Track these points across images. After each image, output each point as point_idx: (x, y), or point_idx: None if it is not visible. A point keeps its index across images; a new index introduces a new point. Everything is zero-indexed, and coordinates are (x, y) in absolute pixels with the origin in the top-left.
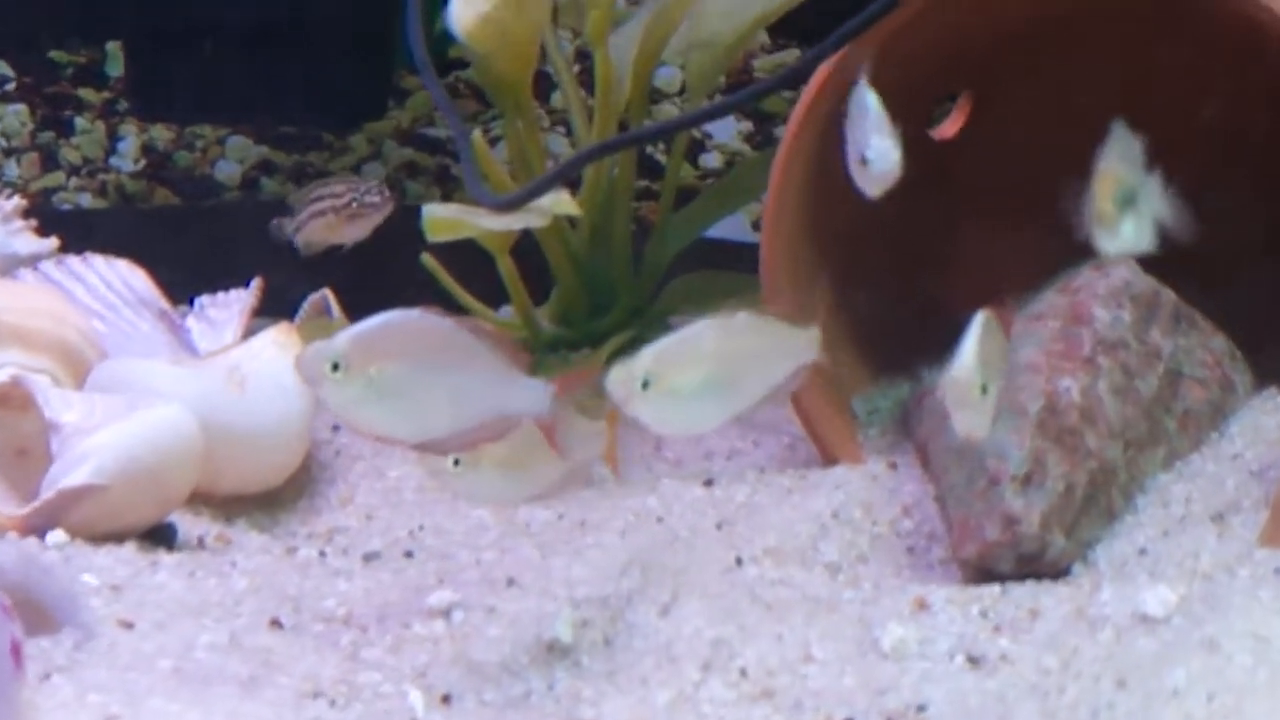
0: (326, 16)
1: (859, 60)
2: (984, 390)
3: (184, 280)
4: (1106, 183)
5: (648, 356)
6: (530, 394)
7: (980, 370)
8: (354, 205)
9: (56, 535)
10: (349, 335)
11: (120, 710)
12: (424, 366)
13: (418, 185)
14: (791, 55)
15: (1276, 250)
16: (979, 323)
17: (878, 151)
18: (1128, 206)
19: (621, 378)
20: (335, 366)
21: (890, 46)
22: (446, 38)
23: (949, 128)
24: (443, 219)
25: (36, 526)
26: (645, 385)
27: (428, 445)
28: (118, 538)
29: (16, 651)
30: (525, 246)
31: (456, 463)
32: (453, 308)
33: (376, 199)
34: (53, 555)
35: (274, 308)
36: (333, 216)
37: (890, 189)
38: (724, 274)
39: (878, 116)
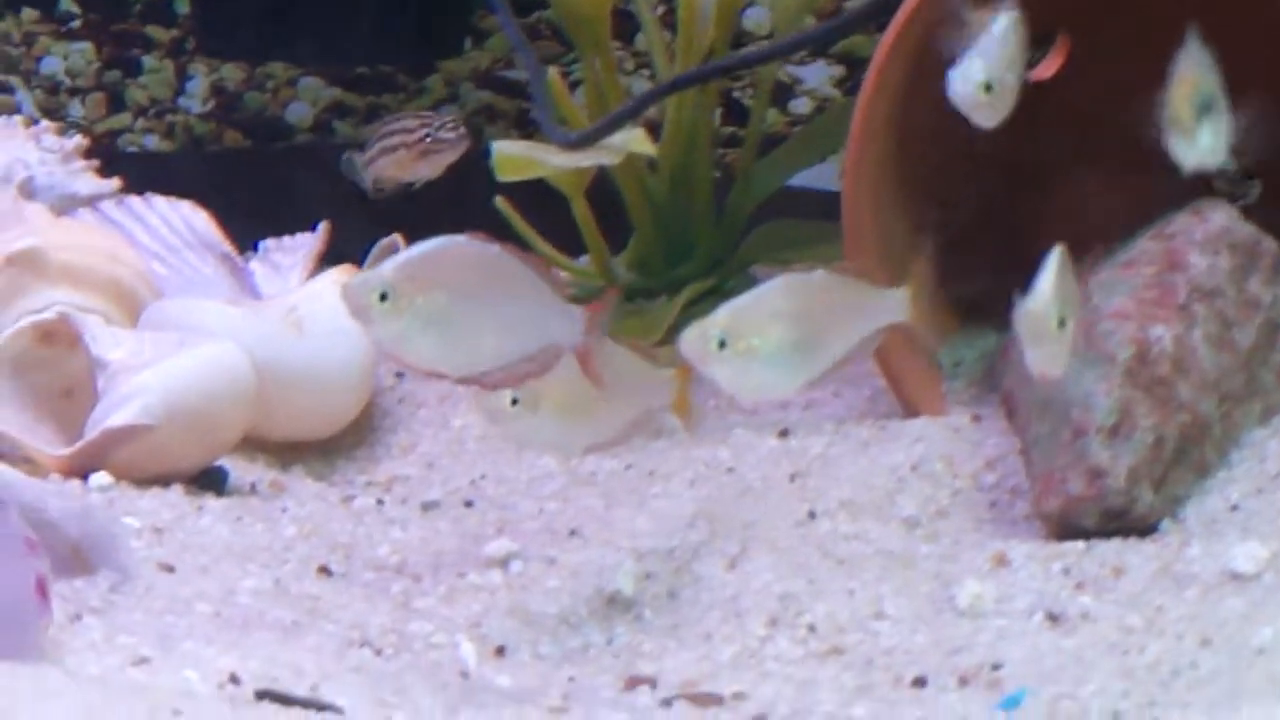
0: None
1: None
2: (1060, 324)
3: (252, 225)
4: (1183, 89)
5: (723, 314)
6: (569, 321)
7: (1057, 303)
8: (428, 141)
9: (100, 477)
10: (395, 264)
11: (151, 653)
12: (471, 295)
13: (496, 129)
14: None
15: None
16: (1056, 257)
17: (965, 75)
18: (1204, 114)
19: (696, 336)
20: (383, 296)
21: None
22: None
23: (1046, 69)
24: (512, 156)
25: (81, 468)
26: (721, 345)
27: (474, 379)
28: (164, 480)
29: (42, 588)
30: (604, 192)
31: (515, 403)
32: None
33: (451, 135)
34: (95, 497)
35: (343, 253)
36: (404, 152)
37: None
38: (808, 223)
39: (998, 40)
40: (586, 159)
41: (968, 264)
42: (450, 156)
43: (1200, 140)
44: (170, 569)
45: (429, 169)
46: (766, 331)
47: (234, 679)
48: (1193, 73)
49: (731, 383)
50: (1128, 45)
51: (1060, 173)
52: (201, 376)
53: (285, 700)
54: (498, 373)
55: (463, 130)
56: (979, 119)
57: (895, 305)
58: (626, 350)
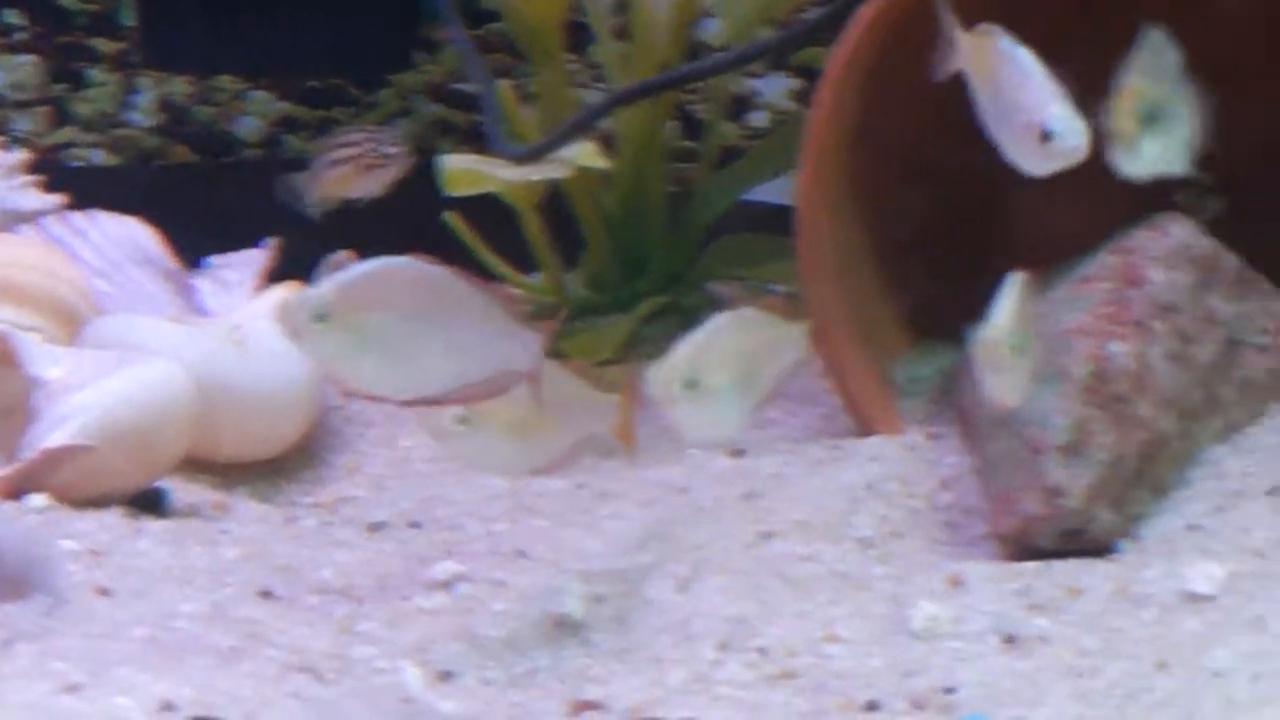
0: None
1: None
2: (1017, 353)
3: (201, 241)
4: (1127, 96)
5: (685, 355)
6: (523, 346)
7: (1013, 331)
8: (371, 156)
9: (37, 498)
10: (334, 283)
11: (83, 679)
12: (413, 316)
13: (449, 143)
14: None
15: None
16: (1014, 283)
17: (1063, 123)
18: (1152, 123)
19: (663, 377)
20: (321, 316)
21: None
22: None
23: None
24: (462, 171)
25: (17, 489)
26: (689, 385)
27: (425, 401)
28: (103, 502)
29: None
30: (558, 207)
31: (461, 423)
32: (478, 271)
33: (393, 151)
34: (32, 519)
35: (292, 270)
36: (348, 168)
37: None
38: (764, 238)
39: (1044, 77)
40: (537, 173)
41: (924, 278)
42: (393, 172)
43: (1145, 151)
44: (107, 593)
45: (373, 185)
46: (720, 370)
47: (168, 706)
48: (1138, 80)
49: (691, 422)
50: (1086, 49)
51: (1020, 186)
52: (141, 396)
53: None
54: (450, 396)
55: (404, 147)
56: (1038, 167)
57: (797, 340)
58: (568, 374)
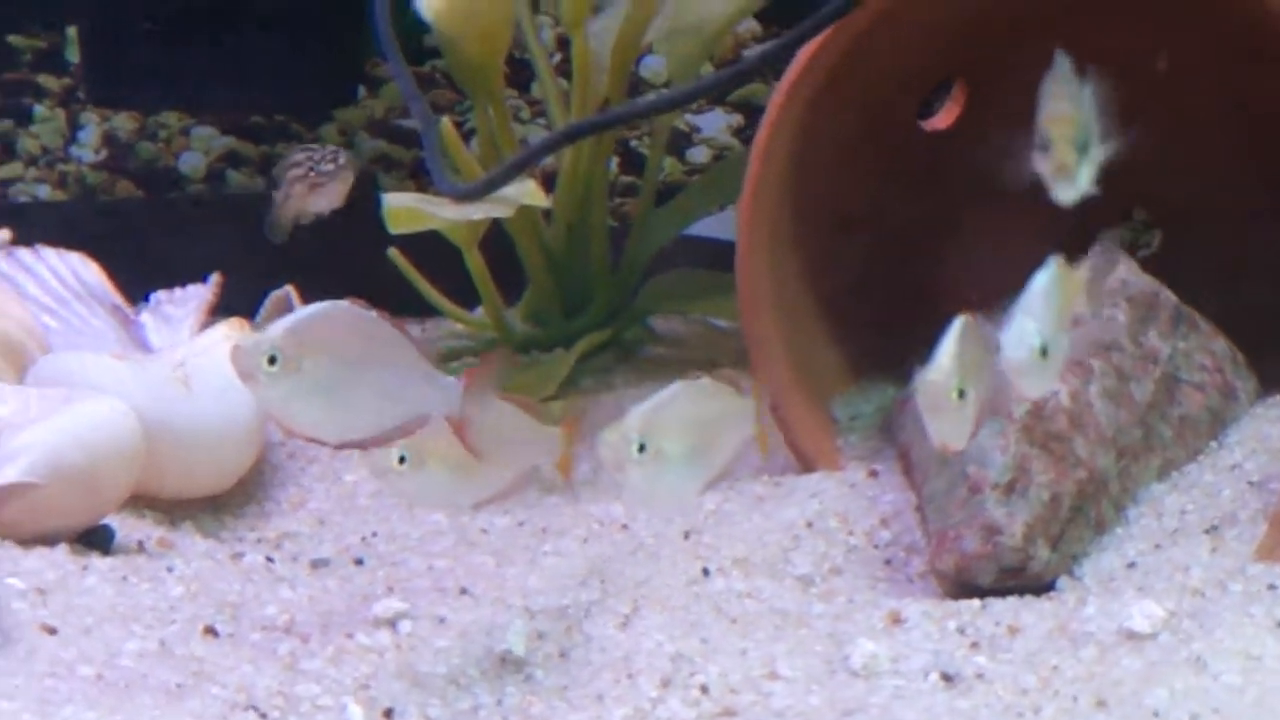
0: (294, 1)
1: (842, 44)
2: (961, 395)
3: (145, 276)
4: (1062, 125)
5: (637, 419)
6: (442, 391)
7: (957, 374)
8: (312, 175)
9: None
10: (284, 326)
11: (30, 719)
12: (350, 361)
13: (391, 179)
14: None
15: None
16: (958, 325)
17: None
18: (1082, 151)
19: (615, 440)
20: (272, 360)
21: (877, 30)
22: (420, 24)
23: (943, 119)
24: (404, 209)
25: None
26: (641, 449)
27: (348, 444)
28: (49, 540)
29: None
30: (499, 242)
31: (402, 460)
32: (422, 306)
33: (330, 167)
34: None
35: (235, 305)
36: (300, 187)
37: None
38: (704, 273)
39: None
40: (478, 211)
41: (866, 315)
42: (339, 187)
43: (1080, 179)
44: (53, 631)
45: (325, 201)
46: (674, 439)
47: None
48: (1066, 108)
49: (642, 487)
50: (1020, 92)
51: (958, 226)
52: (87, 433)
53: None
54: (374, 439)
55: (343, 160)
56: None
57: (747, 415)
58: (513, 407)
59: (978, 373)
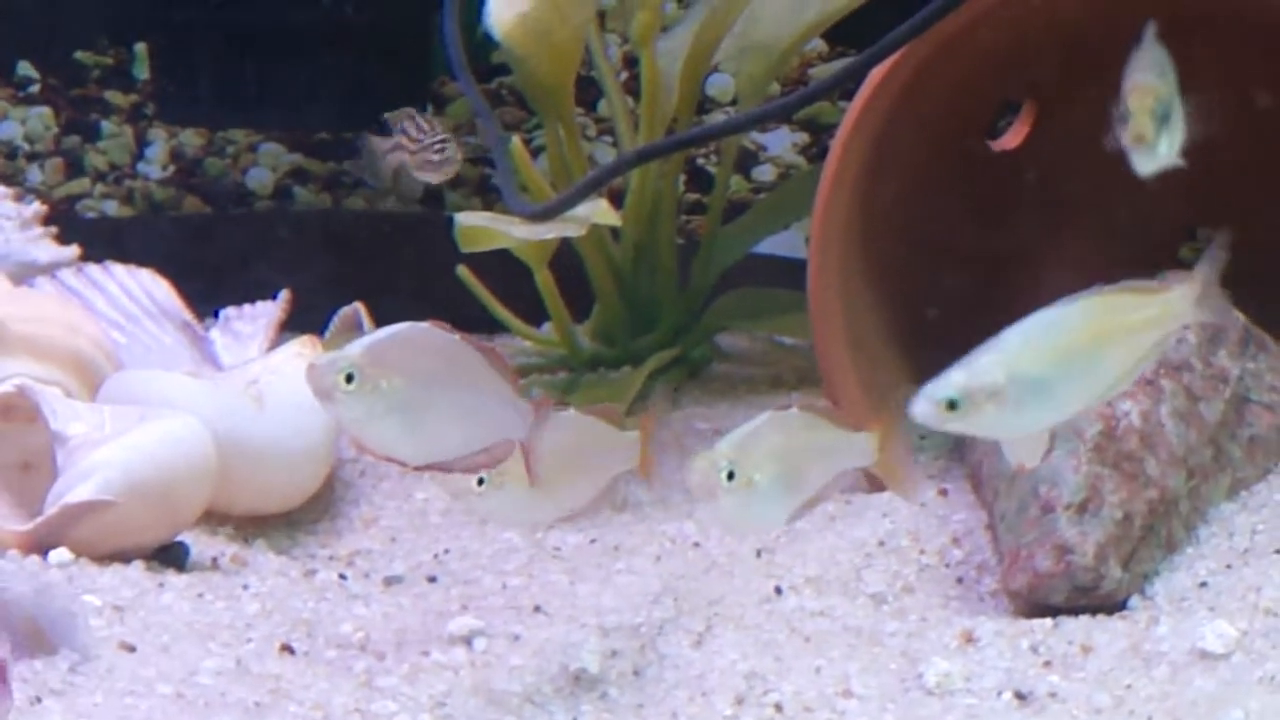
0: (362, 19)
1: (913, 66)
2: None
3: (212, 292)
4: (1142, 96)
5: (727, 447)
6: (514, 415)
7: None
8: (419, 154)
9: (60, 553)
10: (363, 346)
11: None
12: (429, 382)
13: (458, 196)
14: None
15: None
16: None
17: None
18: (1163, 122)
19: (705, 467)
20: (349, 378)
21: (948, 51)
22: (489, 41)
23: (1011, 139)
24: (475, 228)
25: (40, 543)
26: (730, 476)
27: (429, 468)
28: (125, 557)
29: (2, 672)
30: (568, 261)
31: (481, 482)
32: (490, 324)
33: (436, 158)
34: (55, 574)
35: (304, 322)
36: (410, 156)
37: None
38: (771, 291)
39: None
40: (550, 230)
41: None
42: (440, 175)
43: (1159, 150)
44: (131, 648)
45: (429, 177)
46: (764, 466)
47: None
48: (1150, 80)
49: (731, 514)
50: (1094, 121)
51: (1025, 245)
52: (162, 451)
53: None
54: (457, 464)
55: (449, 153)
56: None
57: (862, 450)
58: (590, 418)
59: None
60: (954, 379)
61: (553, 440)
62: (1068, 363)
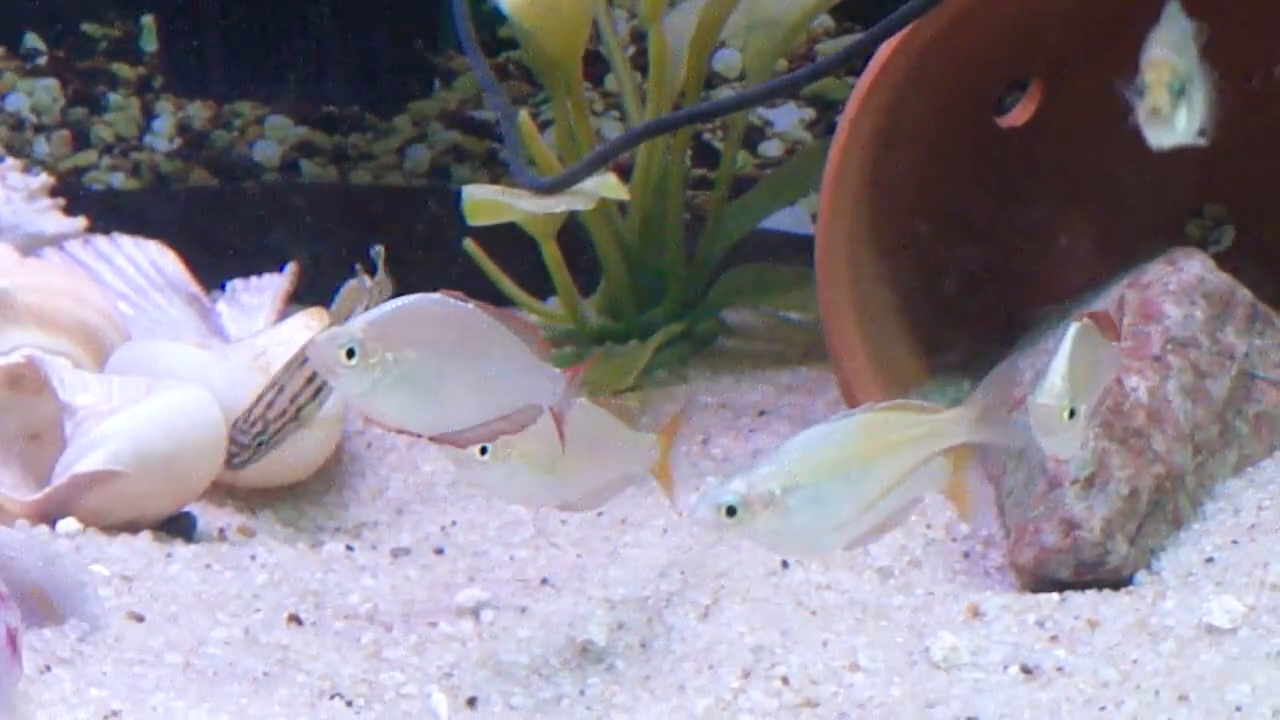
0: None
1: (922, 41)
2: (1072, 415)
3: (219, 264)
4: (1159, 70)
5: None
6: (547, 382)
7: (1068, 395)
8: None
9: (68, 523)
10: (365, 320)
11: (121, 706)
12: (442, 353)
13: (464, 169)
14: None
15: None
16: (1071, 336)
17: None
18: (1181, 97)
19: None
20: (350, 353)
21: (956, 27)
22: (496, 15)
23: (1018, 116)
24: (482, 201)
25: (48, 513)
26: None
27: (447, 438)
28: (133, 527)
29: (13, 641)
30: (575, 235)
31: (484, 451)
32: (497, 297)
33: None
34: (63, 544)
35: (311, 293)
36: None
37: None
38: (779, 267)
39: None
40: (559, 204)
41: (943, 310)
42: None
43: (1177, 124)
44: (139, 618)
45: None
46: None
47: None
48: (1167, 55)
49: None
50: (1103, 94)
51: (1033, 222)
52: (170, 422)
53: None
54: (472, 431)
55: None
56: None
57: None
58: (608, 414)
59: (1089, 382)
60: (733, 487)
61: (572, 427)
62: (840, 474)
